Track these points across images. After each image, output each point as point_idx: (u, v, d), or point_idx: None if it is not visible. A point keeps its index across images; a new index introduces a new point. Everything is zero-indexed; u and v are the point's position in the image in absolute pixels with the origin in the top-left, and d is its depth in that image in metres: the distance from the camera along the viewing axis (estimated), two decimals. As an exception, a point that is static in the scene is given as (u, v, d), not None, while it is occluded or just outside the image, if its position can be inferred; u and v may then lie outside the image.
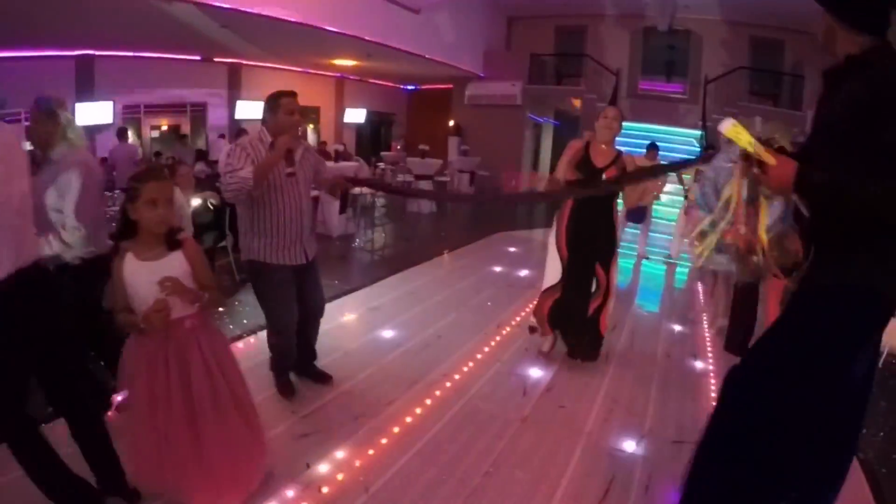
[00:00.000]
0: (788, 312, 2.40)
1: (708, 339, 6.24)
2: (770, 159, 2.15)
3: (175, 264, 2.72)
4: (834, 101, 2.25)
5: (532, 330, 5.51)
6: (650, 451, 3.92)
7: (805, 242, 2.45)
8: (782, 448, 2.29)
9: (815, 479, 2.41)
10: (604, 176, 4.77)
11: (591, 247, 4.92)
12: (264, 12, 10.62)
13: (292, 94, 3.98)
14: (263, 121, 4.01)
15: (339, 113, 21.23)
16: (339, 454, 3.59)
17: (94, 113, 13.14)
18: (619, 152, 4.93)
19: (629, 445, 3.96)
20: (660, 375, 5.17)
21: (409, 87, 24.34)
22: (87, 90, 13.07)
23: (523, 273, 8.63)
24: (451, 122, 21.03)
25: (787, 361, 2.27)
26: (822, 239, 2.31)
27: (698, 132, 15.18)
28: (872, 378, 2.40)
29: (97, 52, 13.02)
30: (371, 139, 24.23)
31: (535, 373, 4.92)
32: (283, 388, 4.30)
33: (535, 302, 5.34)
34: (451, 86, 21.24)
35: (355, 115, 21.96)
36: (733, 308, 5.86)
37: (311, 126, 20.89)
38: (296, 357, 4.37)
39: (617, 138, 4.97)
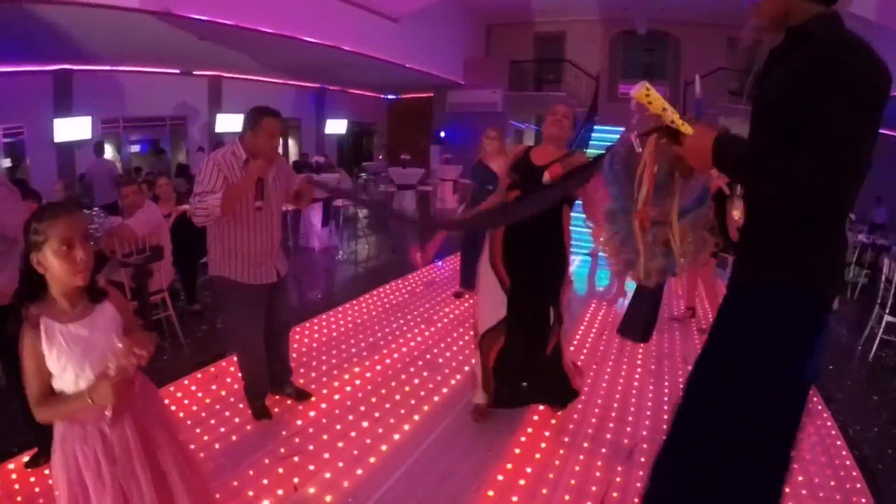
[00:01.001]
0: (726, 314, 2.22)
1: (697, 340, 6.21)
2: (686, 128, 1.94)
3: (108, 318, 2.14)
4: (773, 78, 2.09)
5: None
6: (647, 458, 3.85)
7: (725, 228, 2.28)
8: (733, 457, 2.11)
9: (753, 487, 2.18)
10: (545, 175, 3.79)
11: (540, 270, 3.94)
12: (241, 23, 10.54)
13: (276, 115, 3.85)
14: (241, 135, 3.87)
15: (320, 124, 21.14)
16: (327, 475, 3.51)
17: (72, 128, 12.98)
18: (569, 151, 4.04)
19: (625, 453, 3.92)
20: (655, 380, 5.13)
21: (390, 97, 24.31)
22: (65, 105, 12.91)
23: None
24: (442, 134, 20.92)
25: (733, 369, 2.09)
26: (753, 226, 2.14)
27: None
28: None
29: (75, 67, 12.87)
30: (353, 150, 24.18)
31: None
32: (257, 412, 4.22)
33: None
34: (431, 94, 21.24)
35: (336, 126, 21.88)
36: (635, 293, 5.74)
37: (291, 137, 20.82)
38: (267, 380, 4.32)
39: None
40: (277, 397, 4.42)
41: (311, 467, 3.58)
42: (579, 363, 4.71)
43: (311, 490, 3.36)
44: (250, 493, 3.33)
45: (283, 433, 3.99)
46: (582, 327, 6.43)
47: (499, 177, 4.29)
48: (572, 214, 3.99)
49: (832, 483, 3.78)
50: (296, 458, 3.67)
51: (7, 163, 12.80)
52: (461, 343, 5.84)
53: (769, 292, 2.03)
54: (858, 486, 3.79)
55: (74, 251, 1.97)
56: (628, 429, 4.28)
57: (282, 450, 3.77)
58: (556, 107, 4.11)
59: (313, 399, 4.49)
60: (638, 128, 2.18)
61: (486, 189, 5.97)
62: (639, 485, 3.56)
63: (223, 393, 4.53)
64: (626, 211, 2.26)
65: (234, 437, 3.94)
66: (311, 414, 4.26)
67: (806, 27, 1.98)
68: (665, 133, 2.01)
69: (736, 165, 1.92)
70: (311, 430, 4.05)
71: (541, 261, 3.92)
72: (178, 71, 15.28)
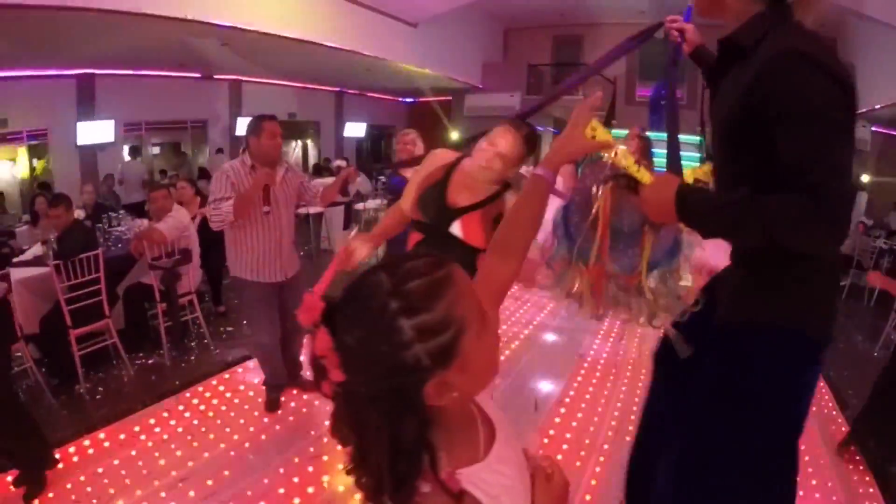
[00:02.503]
0: (707, 356, 1.98)
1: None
2: (644, 175, 1.62)
3: (503, 413, 1.27)
4: (718, 101, 1.90)
5: None
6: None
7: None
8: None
9: None
10: (457, 227, 2.82)
11: None
12: (263, 29, 10.65)
13: (273, 118, 4.12)
14: (245, 144, 4.19)
15: (340, 127, 21.23)
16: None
17: (95, 131, 13.16)
18: (504, 187, 2.87)
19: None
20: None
21: (408, 100, 24.37)
22: (88, 109, 13.07)
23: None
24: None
25: (723, 417, 1.91)
26: (734, 260, 1.98)
27: (697, 138, 15.18)
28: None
29: (98, 71, 13.02)
30: (371, 152, 24.28)
31: (546, 386, 4.93)
32: (268, 403, 4.46)
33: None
34: (449, 97, 21.28)
35: (355, 129, 21.95)
36: None
37: (311, 140, 20.93)
38: (284, 373, 4.52)
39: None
40: (305, 397, 4.58)
41: (341, 466, 3.65)
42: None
43: (341, 488, 3.47)
44: (281, 491, 3.45)
45: (312, 433, 4.09)
46: (600, 333, 6.46)
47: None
48: None
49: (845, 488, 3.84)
50: (325, 458, 3.78)
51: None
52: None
53: (757, 336, 1.86)
54: (871, 490, 3.85)
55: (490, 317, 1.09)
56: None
57: (311, 448, 3.87)
58: (497, 136, 2.80)
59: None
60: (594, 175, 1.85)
61: None
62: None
63: (251, 393, 4.64)
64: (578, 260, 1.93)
65: (263, 437, 4.06)
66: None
67: (737, 38, 1.79)
68: (624, 181, 1.72)
69: (706, 218, 1.65)
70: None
71: None
72: (198, 75, 15.41)
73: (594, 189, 1.88)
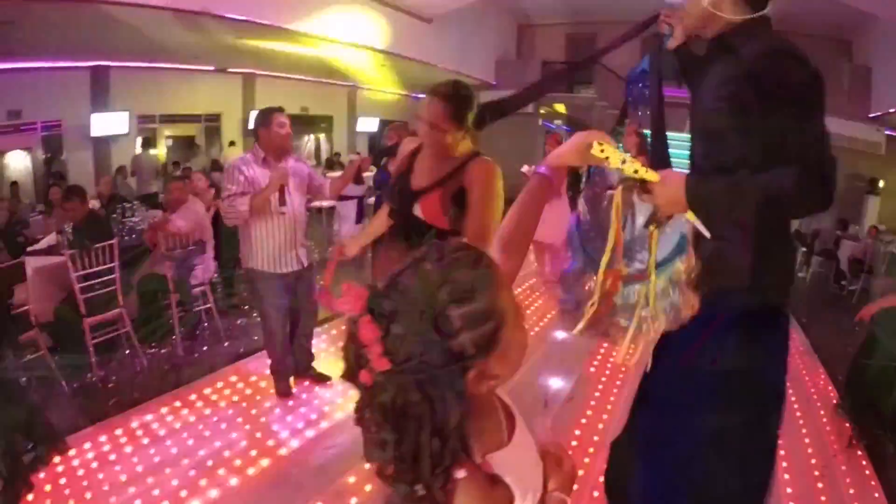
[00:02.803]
0: (683, 340, 2.04)
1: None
2: (651, 175, 1.73)
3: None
4: (705, 93, 2.08)
5: None
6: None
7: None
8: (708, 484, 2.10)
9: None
10: (418, 209, 2.84)
11: None
12: (277, 23, 10.68)
13: (282, 110, 4.20)
14: (255, 136, 4.24)
15: (352, 122, 21.25)
16: (367, 466, 3.60)
17: (109, 123, 13.25)
18: (469, 157, 2.81)
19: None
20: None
21: (421, 96, 24.32)
22: (102, 101, 13.12)
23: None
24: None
25: (709, 397, 2.08)
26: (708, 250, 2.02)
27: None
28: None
29: (112, 63, 13.06)
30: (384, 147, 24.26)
31: (556, 383, 4.93)
32: (280, 391, 4.52)
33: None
34: (462, 94, 21.26)
35: (368, 124, 21.97)
36: None
37: (323, 135, 20.95)
38: (291, 363, 4.56)
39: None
40: (316, 389, 4.64)
41: (351, 457, 3.66)
42: None
43: (352, 479, 3.49)
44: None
45: (323, 424, 4.14)
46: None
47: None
48: None
49: (851, 491, 3.85)
50: (331, 451, 3.80)
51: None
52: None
53: (728, 316, 2.02)
54: (877, 495, 3.86)
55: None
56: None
57: (322, 440, 3.90)
58: (422, 109, 2.81)
59: (332, 382, 4.68)
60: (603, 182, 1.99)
61: None
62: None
63: (262, 384, 4.67)
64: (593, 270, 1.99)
65: (274, 427, 4.08)
66: (350, 406, 4.37)
67: (727, 38, 1.99)
68: (632, 184, 1.81)
69: (716, 202, 1.77)
70: (350, 421, 4.15)
71: None
72: (212, 68, 15.44)
73: (605, 196, 1.97)
